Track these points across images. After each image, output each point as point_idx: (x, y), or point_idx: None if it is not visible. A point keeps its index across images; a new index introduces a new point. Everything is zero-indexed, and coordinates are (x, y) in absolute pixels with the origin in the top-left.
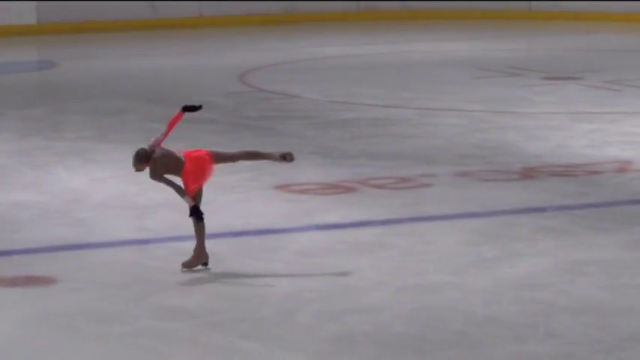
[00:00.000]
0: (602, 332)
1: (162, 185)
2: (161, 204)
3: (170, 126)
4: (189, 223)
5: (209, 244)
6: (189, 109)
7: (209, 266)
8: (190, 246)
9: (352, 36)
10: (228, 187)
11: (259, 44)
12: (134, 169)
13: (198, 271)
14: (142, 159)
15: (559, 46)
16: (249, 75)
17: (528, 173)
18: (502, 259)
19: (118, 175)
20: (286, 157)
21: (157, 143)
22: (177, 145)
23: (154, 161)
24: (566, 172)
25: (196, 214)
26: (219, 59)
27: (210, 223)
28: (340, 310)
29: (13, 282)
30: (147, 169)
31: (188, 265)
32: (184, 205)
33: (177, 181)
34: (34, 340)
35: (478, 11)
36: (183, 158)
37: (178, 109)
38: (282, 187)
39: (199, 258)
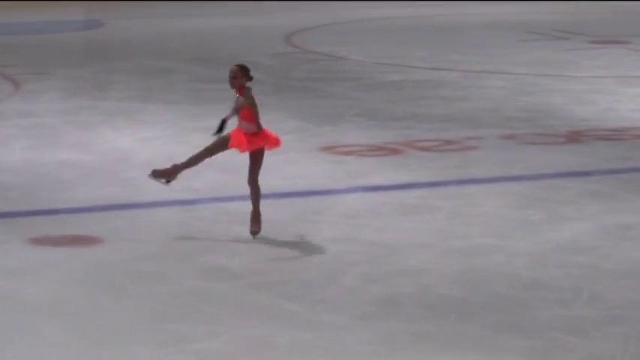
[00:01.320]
0: None
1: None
2: (207, 165)
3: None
4: (234, 184)
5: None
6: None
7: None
8: (236, 206)
9: None
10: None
11: (306, 4)
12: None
13: (243, 232)
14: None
15: (606, 10)
16: (296, 36)
17: (574, 137)
18: (547, 223)
19: (164, 135)
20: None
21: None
22: (222, 105)
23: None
24: (613, 135)
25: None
26: (266, 20)
27: None
28: (385, 273)
29: (59, 241)
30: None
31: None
32: (230, 166)
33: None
34: (79, 299)
35: None
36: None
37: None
38: (328, 149)
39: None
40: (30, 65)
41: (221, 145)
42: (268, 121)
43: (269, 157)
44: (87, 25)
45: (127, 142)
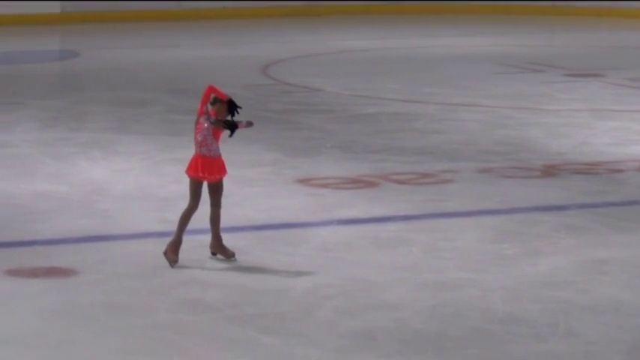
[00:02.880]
0: (622, 332)
1: (183, 177)
2: (182, 196)
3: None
4: (207, 217)
5: (231, 237)
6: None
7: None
8: (209, 238)
9: (376, 30)
10: (250, 181)
11: (282, 36)
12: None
13: (219, 264)
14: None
15: (582, 43)
16: (272, 67)
17: (550, 171)
18: (523, 257)
19: (139, 166)
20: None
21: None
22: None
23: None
24: (588, 169)
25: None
26: (241, 51)
27: (232, 216)
28: (360, 306)
29: (34, 272)
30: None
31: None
32: (204, 198)
33: None
34: (54, 331)
35: (501, 7)
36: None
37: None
38: (304, 181)
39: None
40: (5, 95)
41: (198, 187)
42: (244, 152)
43: (245, 189)
44: (62, 56)
45: (102, 174)
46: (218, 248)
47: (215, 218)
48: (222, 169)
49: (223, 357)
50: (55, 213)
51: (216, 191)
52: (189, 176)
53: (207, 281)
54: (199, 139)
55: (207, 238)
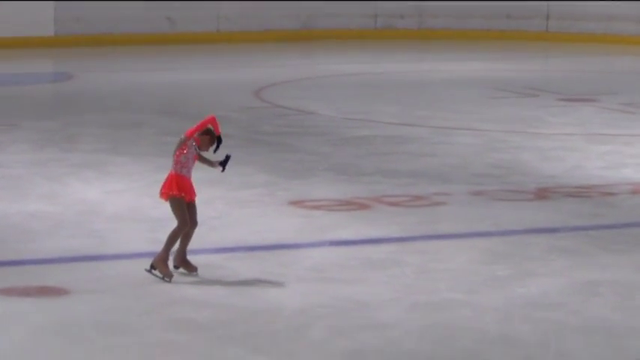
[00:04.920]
0: (613, 353)
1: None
2: (174, 217)
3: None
4: (200, 237)
5: (224, 258)
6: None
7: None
8: (202, 259)
9: (369, 54)
10: (243, 202)
11: (276, 60)
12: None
13: (210, 283)
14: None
15: (575, 68)
16: (265, 90)
17: (543, 194)
18: (515, 279)
19: (132, 187)
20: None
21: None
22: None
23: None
24: (581, 193)
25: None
26: (235, 74)
27: (224, 237)
28: (352, 326)
29: (26, 292)
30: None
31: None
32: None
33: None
34: (45, 350)
35: (495, 32)
36: None
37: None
38: (297, 203)
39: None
40: None
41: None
42: (237, 174)
43: (238, 210)
44: (56, 78)
45: (95, 194)
46: (182, 263)
47: (189, 235)
48: (193, 190)
49: None
50: (48, 233)
51: (194, 209)
52: (174, 196)
53: (198, 301)
54: (182, 160)
55: (199, 258)
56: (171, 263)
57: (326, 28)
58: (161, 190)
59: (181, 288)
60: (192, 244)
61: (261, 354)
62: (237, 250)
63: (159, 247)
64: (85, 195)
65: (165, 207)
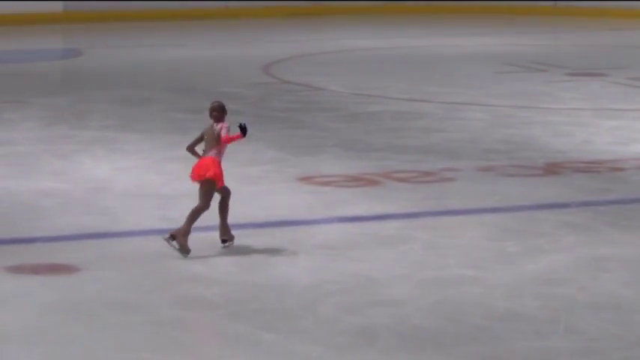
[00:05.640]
0: (622, 329)
1: (185, 175)
2: (184, 194)
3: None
4: (210, 213)
5: (233, 235)
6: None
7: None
8: (213, 235)
9: (378, 29)
10: (252, 178)
11: (285, 36)
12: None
13: (221, 260)
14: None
15: (584, 43)
16: (274, 66)
17: (552, 169)
18: (524, 255)
19: (141, 164)
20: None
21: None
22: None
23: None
24: (590, 168)
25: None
26: (244, 50)
27: (234, 214)
28: (361, 303)
29: (36, 269)
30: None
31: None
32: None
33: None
34: (55, 328)
35: (504, 7)
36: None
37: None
38: (306, 179)
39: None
40: (8, 94)
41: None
42: (246, 150)
43: (247, 187)
44: (65, 54)
45: (104, 171)
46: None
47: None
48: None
49: (224, 353)
50: (57, 210)
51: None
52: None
53: (208, 278)
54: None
55: (208, 235)
56: (191, 241)
57: (334, 4)
58: (200, 172)
59: (191, 265)
60: (202, 221)
61: (271, 331)
62: (247, 226)
63: (169, 224)
64: (95, 172)
65: (175, 184)
